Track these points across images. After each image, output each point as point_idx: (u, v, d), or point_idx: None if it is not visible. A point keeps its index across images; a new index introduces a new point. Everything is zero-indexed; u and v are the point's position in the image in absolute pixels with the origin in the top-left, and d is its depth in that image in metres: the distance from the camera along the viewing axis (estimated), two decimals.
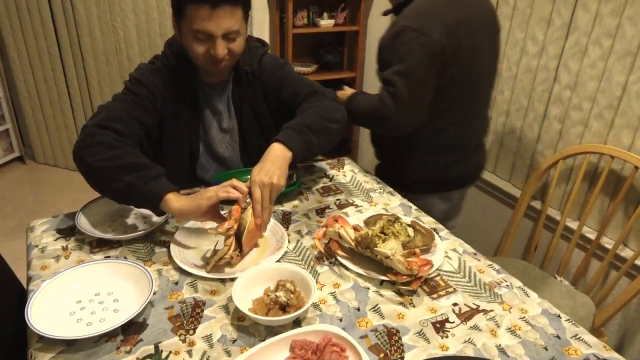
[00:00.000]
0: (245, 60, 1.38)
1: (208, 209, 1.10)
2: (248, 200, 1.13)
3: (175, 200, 1.10)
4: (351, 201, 1.40)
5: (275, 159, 1.16)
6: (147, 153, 1.27)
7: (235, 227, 1.08)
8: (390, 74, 1.40)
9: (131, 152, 1.17)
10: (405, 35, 1.37)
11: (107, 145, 1.15)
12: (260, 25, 2.90)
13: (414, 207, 1.40)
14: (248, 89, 1.42)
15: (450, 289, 1.07)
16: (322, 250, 1.14)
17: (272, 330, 0.93)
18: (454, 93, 1.47)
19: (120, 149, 1.15)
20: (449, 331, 0.95)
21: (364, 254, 1.11)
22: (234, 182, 1.12)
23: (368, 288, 1.06)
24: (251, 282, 1.01)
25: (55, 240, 1.18)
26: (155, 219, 1.25)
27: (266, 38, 3.00)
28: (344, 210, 1.36)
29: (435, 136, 1.48)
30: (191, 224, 1.23)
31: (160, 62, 1.36)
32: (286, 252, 1.16)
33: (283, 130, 1.24)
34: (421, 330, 0.95)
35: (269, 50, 1.46)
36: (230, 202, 1.12)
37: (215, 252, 1.12)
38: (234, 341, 0.91)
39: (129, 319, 0.91)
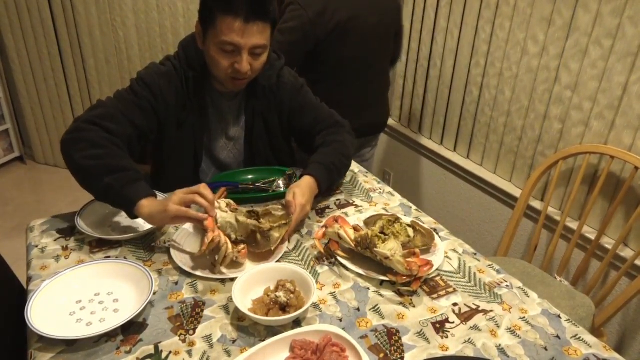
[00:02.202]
0: (263, 74, 1.37)
1: (176, 216, 1.08)
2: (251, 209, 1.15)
3: (146, 206, 1.11)
4: (351, 201, 1.40)
5: (310, 190, 1.26)
6: (145, 154, 1.27)
7: (217, 235, 1.05)
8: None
9: (115, 152, 1.18)
10: (290, 6, 1.78)
11: (92, 143, 1.17)
12: None
13: (413, 207, 1.40)
14: (263, 101, 1.42)
15: (450, 289, 1.07)
16: (322, 251, 1.14)
17: (272, 330, 0.93)
18: (324, 66, 1.86)
19: (105, 149, 1.17)
20: (449, 331, 0.95)
21: (363, 254, 1.11)
22: (201, 189, 1.09)
23: (368, 288, 1.06)
24: (251, 282, 1.01)
25: (55, 240, 1.18)
26: None
27: None
28: (344, 210, 1.36)
29: (321, 92, 1.59)
30: (189, 225, 1.22)
31: (171, 64, 1.34)
32: (286, 252, 1.16)
33: (316, 165, 1.32)
34: (421, 331, 0.95)
35: (284, 62, 1.46)
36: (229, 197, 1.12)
37: (206, 252, 1.09)
38: (234, 341, 0.91)
39: (129, 319, 0.91)
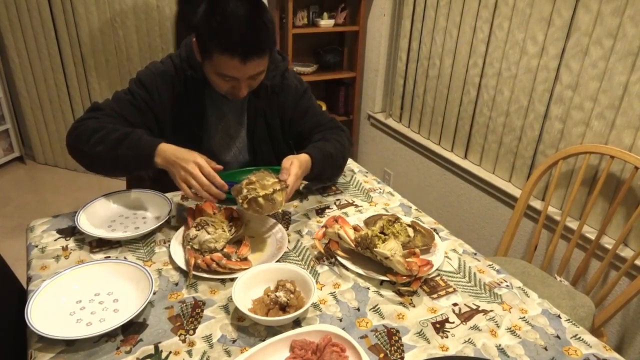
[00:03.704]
0: (267, 74, 1.37)
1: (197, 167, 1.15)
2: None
3: (168, 147, 1.19)
4: (351, 201, 1.40)
5: (306, 165, 1.26)
6: None
7: (202, 262, 1.06)
8: None
9: (112, 128, 1.23)
10: None
11: (93, 130, 1.23)
12: None
13: (413, 207, 1.40)
14: (265, 101, 1.43)
15: (450, 289, 1.07)
16: (322, 251, 1.14)
17: (272, 330, 0.93)
18: None
19: (103, 130, 1.22)
20: (449, 331, 0.95)
21: (363, 254, 1.11)
22: (214, 185, 1.14)
23: (368, 288, 1.06)
24: (251, 282, 1.01)
25: (55, 240, 1.18)
26: (157, 219, 1.25)
27: None
28: (344, 210, 1.36)
29: None
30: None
31: (171, 62, 1.36)
32: (286, 252, 1.16)
33: (314, 149, 1.32)
34: (421, 331, 0.95)
35: (288, 64, 1.47)
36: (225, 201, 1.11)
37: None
38: (234, 341, 0.91)
39: (129, 319, 0.91)
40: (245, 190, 1.13)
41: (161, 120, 1.36)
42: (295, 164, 1.21)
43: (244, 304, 0.95)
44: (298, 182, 1.22)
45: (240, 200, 1.13)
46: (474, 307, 1.02)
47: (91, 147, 1.20)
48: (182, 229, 1.20)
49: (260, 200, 1.12)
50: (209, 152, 1.46)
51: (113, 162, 1.22)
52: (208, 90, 1.38)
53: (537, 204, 1.98)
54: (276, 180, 1.16)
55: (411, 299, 1.03)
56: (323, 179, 1.44)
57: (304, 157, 1.27)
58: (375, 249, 1.06)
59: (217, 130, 1.44)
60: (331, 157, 1.36)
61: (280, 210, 1.16)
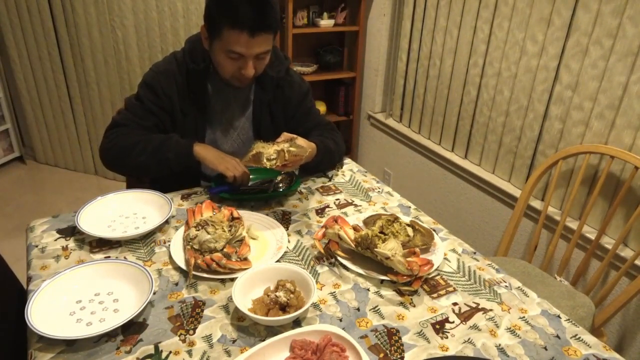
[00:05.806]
0: (272, 67, 1.42)
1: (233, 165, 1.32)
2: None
3: (202, 147, 1.36)
4: (350, 201, 1.40)
5: (310, 149, 1.31)
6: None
7: (202, 262, 1.06)
8: None
9: (147, 139, 1.35)
10: None
11: (131, 144, 1.35)
12: None
13: (413, 206, 1.40)
14: (270, 93, 1.47)
15: (450, 288, 1.07)
16: (322, 251, 1.14)
17: (272, 330, 0.93)
18: None
19: (140, 142, 1.35)
20: (448, 332, 0.95)
21: (364, 254, 1.11)
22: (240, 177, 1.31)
23: (368, 289, 1.06)
24: (251, 282, 1.01)
25: (55, 240, 1.18)
26: (157, 219, 1.25)
27: None
28: (344, 209, 1.36)
29: None
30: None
31: (173, 58, 1.42)
32: (286, 252, 1.16)
33: (319, 141, 1.40)
34: (421, 331, 0.95)
35: (290, 64, 1.53)
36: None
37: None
38: (234, 341, 0.91)
39: (129, 319, 0.91)
40: (264, 154, 1.18)
41: (172, 114, 1.41)
42: (301, 139, 1.28)
43: (244, 304, 0.95)
44: (300, 157, 1.24)
45: (266, 161, 1.17)
46: (474, 305, 1.03)
47: (134, 159, 1.34)
48: (182, 229, 1.20)
49: (292, 148, 1.18)
50: (212, 143, 1.47)
51: (157, 166, 1.35)
52: (211, 81, 1.42)
53: (537, 204, 1.98)
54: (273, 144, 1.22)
55: (411, 299, 1.04)
56: (318, 170, 1.53)
57: (310, 143, 1.33)
58: (375, 249, 1.06)
59: (220, 121, 1.47)
60: (330, 152, 1.48)
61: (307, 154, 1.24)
